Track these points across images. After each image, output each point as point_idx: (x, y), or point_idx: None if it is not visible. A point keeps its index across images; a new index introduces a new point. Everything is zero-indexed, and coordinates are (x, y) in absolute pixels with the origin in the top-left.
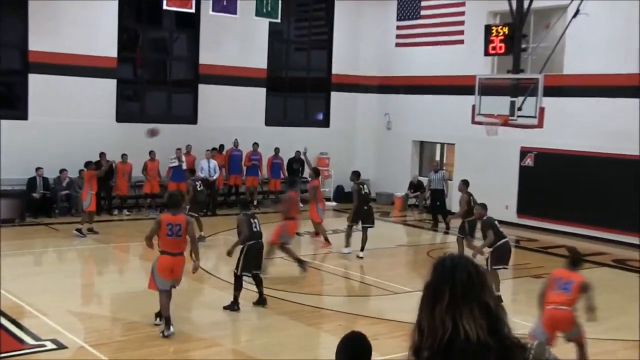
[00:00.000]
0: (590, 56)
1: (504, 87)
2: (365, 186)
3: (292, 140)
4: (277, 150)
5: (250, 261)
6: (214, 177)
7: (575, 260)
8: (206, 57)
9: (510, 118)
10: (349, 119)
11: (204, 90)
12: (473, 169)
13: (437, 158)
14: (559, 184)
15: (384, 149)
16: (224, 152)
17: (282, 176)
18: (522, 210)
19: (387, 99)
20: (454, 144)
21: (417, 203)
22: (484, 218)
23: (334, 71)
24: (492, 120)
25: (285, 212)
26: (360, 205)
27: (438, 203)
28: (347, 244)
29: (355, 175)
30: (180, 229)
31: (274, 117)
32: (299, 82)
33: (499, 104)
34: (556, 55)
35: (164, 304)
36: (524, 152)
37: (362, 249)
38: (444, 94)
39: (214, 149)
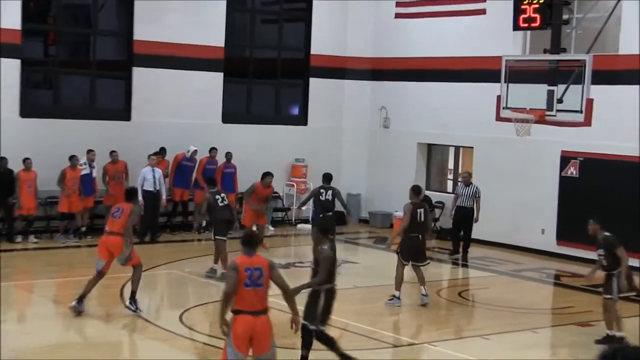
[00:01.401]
0: None
1: (539, 72)
2: (328, 192)
3: (258, 142)
4: (229, 156)
5: (324, 310)
6: (162, 192)
7: None
8: (143, 31)
9: (548, 113)
10: (334, 114)
11: (140, 75)
12: (497, 181)
13: (450, 166)
14: (613, 201)
15: (379, 153)
16: (166, 158)
17: (236, 190)
18: (563, 236)
19: (383, 88)
20: (471, 148)
21: (434, 227)
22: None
23: (313, 51)
24: (523, 116)
25: None
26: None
27: (461, 227)
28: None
29: (326, 179)
30: (262, 274)
31: (234, 112)
32: (268, 65)
33: (533, 95)
34: (609, 30)
35: None
36: (565, 159)
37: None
38: (459, 81)
39: (158, 153)
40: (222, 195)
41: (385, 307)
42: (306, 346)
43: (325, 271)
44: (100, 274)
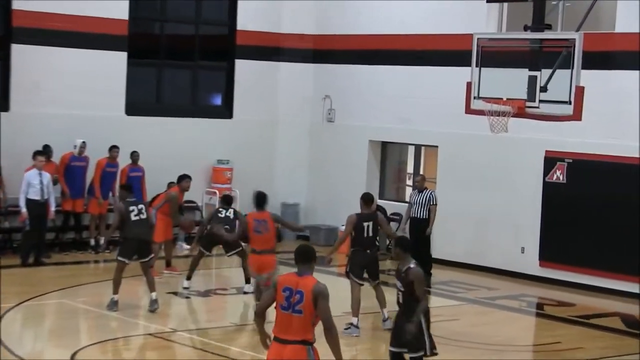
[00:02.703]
0: None
1: (518, 53)
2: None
3: (171, 139)
4: (135, 156)
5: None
6: (51, 202)
7: None
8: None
9: (529, 104)
10: (266, 104)
11: (20, 54)
12: (466, 188)
13: (410, 169)
14: (608, 213)
15: (322, 153)
16: (52, 160)
17: (144, 199)
18: (547, 256)
19: (327, 72)
20: (435, 147)
21: (377, 243)
22: None
23: (240, 26)
24: (499, 108)
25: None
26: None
27: (417, 244)
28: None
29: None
30: (302, 300)
31: (140, 102)
32: (183, 43)
33: (511, 82)
34: (604, 4)
35: None
36: (550, 161)
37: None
38: (421, 64)
39: (40, 152)
40: (140, 207)
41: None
42: None
43: (423, 292)
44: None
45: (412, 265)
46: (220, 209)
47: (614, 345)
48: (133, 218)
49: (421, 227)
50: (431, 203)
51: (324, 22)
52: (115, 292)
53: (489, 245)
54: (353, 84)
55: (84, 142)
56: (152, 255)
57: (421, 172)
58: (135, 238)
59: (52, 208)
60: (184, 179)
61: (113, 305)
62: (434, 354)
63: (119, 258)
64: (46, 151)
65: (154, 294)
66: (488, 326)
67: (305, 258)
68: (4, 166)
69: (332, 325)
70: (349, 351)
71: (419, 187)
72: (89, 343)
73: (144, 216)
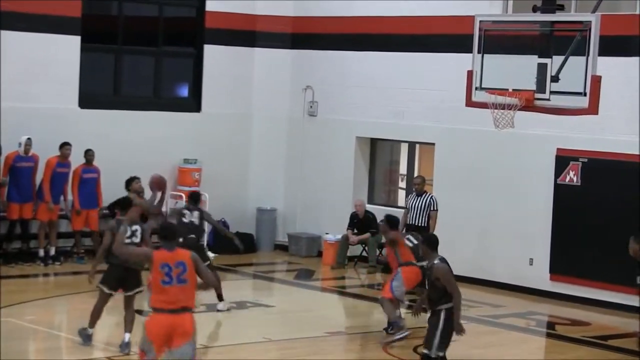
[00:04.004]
0: None
1: (526, 38)
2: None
3: (131, 135)
4: (89, 155)
5: (450, 334)
6: None
7: None
8: None
9: (538, 96)
10: (239, 96)
11: None
12: (467, 191)
13: (403, 170)
14: (627, 219)
15: (303, 152)
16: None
17: (100, 204)
18: (559, 269)
19: (309, 59)
20: (432, 145)
21: (365, 253)
22: None
23: (209, 7)
24: (504, 100)
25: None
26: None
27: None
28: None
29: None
30: (185, 270)
31: (96, 93)
32: (145, 26)
33: (518, 70)
34: None
35: None
36: (563, 160)
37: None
38: (416, 50)
39: None
40: (134, 228)
41: None
42: None
43: (454, 286)
44: None
45: (436, 262)
46: (185, 211)
47: None
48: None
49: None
50: (431, 208)
51: (304, 2)
52: (92, 325)
53: (493, 257)
54: (338, 73)
55: (29, 138)
56: (140, 288)
57: (416, 173)
58: (122, 265)
59: None
60: (132, 181)
61: (87, 338)
62: (438, 356)
63: (100, 286)
64: None
65: (127, 335)
66: (492, 349)
67: (171, 235)
68: None
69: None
70: None
71: (418, 191)
72: None
73: (137, 240)
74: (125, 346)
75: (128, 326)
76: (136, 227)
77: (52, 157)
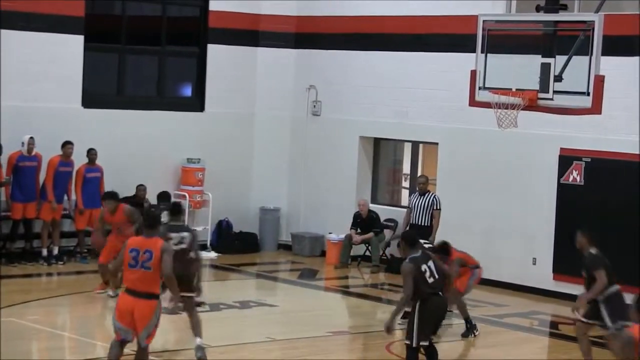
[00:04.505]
0: None
1: (529, 38)
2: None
3: (134, 135)
4: (92, 154)
5: (428, 323)
6: None
7: None
8: None
9: (542, 96)
10: (242, 95)
11: None
12: (470, 191)
13: (406, 169)
14: (631, 219)
15: (307, 152)
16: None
17: (102, 205)
18: (562, 268)
19: (312, 59)
20: (435, 144)
21: (369, 253)
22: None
23: (213, 6)
24: (507, 100)
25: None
26: None
27: None
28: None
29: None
30: (151, 257)
31: (99, 92)
32: (148, 25)
33: (521, 70)
34: None
35: None
36: (566, 159)
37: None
38: (419, 50)
39: None
40: (183, 235)
41: None
42: None
43: (405, 285)
44: None
45: (407, 259)
46: (170, 233)
47: None
48: (173, 248)
49: (423, 235)
50: (434, 207)
51: (308, 1)
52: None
53: (497, 256)
54: (341, 73)
55: (31, 138)
56: (193, 294)
57: (419, 173)
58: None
59: None
60: (105, 199)
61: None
62: (420, 346)
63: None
64: None
65: (198, 340)
66: (495, 348)
67: (153, 224)
68: None
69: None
70: None
71: (421, 190)
72: None
73: (184, 246)
74: (198, 349)
75: (196, 330)
76: (185, 233)
77: (55, 157)
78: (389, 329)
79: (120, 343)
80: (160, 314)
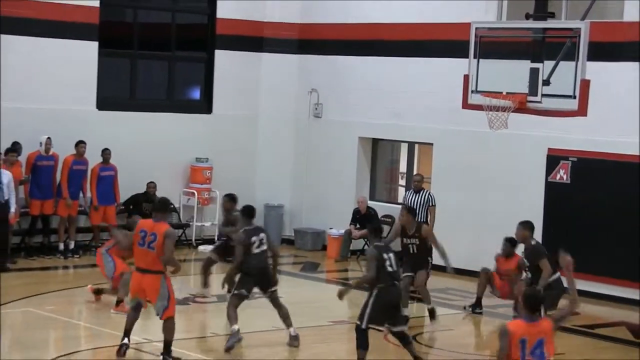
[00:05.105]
0: None
1: (519, 44)
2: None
3: (146, 135)
4: (106, 154)
5: (381, 310)
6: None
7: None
8: None
9: (530, 99)
10: (247, 98)
11: None
12: (463, 188)
13: (403, 168)
14: (615, 216)
15: (308, 151)
16: (18, 158)
17: (117, 200)
18: (549, 261)
19: (314, 64)
20: (430, 145)
21: (367, 247)
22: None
23: (220, 14)
24: (498, 103)
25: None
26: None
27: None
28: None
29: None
30: (155, 239)
31: (113, 95)
32: (159, 32)
33: (511, 74)
34: None
35: None
36: (554, 159)
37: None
38: (415, 55)
39: (11, 150)
40: (262, 236)
41: (316, 353)
42: (361, 346)
43: (368, 269)
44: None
45: (370, 247)
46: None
47: (621, 357)
48: (254, 251)
49: None
50: (429, 204)
51: (309, 9)
52: (234, 323)
53: (488, 251)
54: (341, 77)
55: (49, 138)
56: (275, 288)
57: (415, 171)
58: (256, 268)
59: (12, 209)
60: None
61: (236, 335)
62: (367, 327)
63: (237, 291)
64: (15, 148)
65: (292, 329)
66: (486, 336)
67: (162, 209)
68: None
69: (171, 260)
70: None
71: (417, 188)
72: (57, 355)
73: (264, 247)
74: (294, 339)
75: (287, 321)
76: (262, 235)
77: (69, 156)
78: (341, 295)
79: (135, 307)
80: (169, 287)
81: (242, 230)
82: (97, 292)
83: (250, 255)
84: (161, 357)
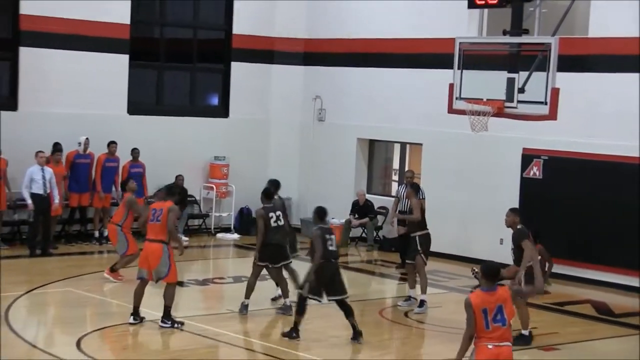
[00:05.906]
0: (630, 11)
1: (497, 56)
2: (276, 213)
3: (170, 137)
4: (135, 153)
5: (322, 282)
6: (54, 196)
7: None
8: (31, 4)
9: (507, 105)
10: (260, 104)
11: (27, 56)
12: (449, 183)
13: (396, 165)
14: (583, 207)
15: (313, 151)
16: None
17: (145, 194)
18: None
19: (318, 74)
20: (420, 145)
21: (365, 235)
22: (518, 227)
23: (236, 30)
24: (479, 108)
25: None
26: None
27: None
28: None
29: (273, 186)
30: (161, 213)
31: (141, 102)
32: (182, 46)
33: (491, 83)
34: (578, 10)
35: None
36: (528, 157)
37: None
38: (406, 67)
39: (56, 150)
40: (278, 213)
41: (317, 327)
42: (298, 312)
43: (315, 247)
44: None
45: (314, 228)
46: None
47: (586, 330)
48: (272, 225)
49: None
50: (419, 197)
51: (314, 26)
52: (248, 296)
53: (470, 238)
54: (342, 85)
55: (87, 138)
56: (289, 260)
57: (407, 168)
58: (274, 243)
59: (56, 201)
60: (128, 181)
61: (244, 309)
62: (308, 297)
63: (259, 263)
64: (57, 148)
65: (287, 300)
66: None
67: (169, 192)
68: (11, 163)
69: (172, 231)
70: (326, 343)
71: (409, 182)
72: (93, 329)
73: (281, 223)
74: (286, 309)
75: (284, 292)
76: (279, 212)
77: (102, 154)
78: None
79: (141, 283)
80: (170, 256)
81: (261, 207)
82: (112, 270)
83: (269, 229)
84: (160, 321)
